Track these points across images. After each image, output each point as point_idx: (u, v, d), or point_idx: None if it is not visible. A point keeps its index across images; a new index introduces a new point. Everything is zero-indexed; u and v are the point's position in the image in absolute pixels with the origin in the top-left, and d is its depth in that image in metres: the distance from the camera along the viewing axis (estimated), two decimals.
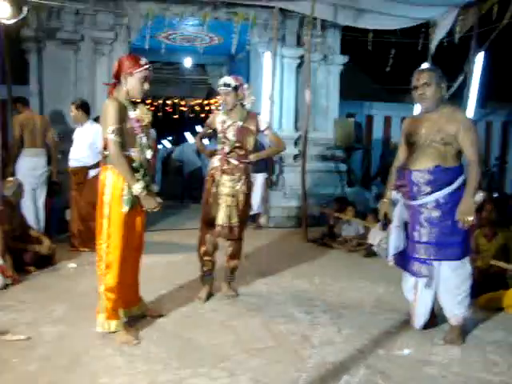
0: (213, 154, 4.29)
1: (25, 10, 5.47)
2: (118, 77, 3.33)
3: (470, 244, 3.57)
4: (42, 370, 2.85)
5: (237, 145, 4.11)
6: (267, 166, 7.73)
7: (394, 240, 3.57)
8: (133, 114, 3.32)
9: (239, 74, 9.66)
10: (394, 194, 3.64)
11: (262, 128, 4.21)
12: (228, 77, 4.19)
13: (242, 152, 4.15)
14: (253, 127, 4.16)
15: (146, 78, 3.32)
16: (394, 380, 2.85)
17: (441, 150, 3.33)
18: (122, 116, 3.25)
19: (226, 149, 4.13)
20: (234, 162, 4.13)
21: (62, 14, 7.47)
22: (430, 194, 3.35)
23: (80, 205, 5.88)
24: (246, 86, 4.18)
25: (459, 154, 3.38)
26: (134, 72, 3.27)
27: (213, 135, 4.54)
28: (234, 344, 3.29)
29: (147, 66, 3.32)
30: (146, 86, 3.35)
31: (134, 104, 3.40)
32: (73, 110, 5.95)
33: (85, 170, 5.87)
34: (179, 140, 15.13)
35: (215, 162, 4.20)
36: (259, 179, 7.60)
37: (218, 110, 4.36)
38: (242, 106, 4.19)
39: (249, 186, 4.22)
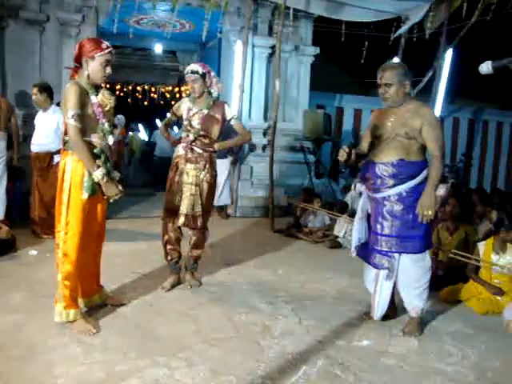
0: (178, 141, 4.24)
1: None
2: (79, 60, 3.24)
3: (430, 237, 3.63)
4: None
5: (201, 133, 4.07)
6: (228, 151, 7.65)
7: (356, 232, 3.60)
8: (94, 98, 3.24)
9: (210, 61, 9.60)
10: (358, 186, 3.67)
11: (228, 117, 4.17)
12: (195, 64, 4.13)
13: (207, 140, 4.11)
14: (219, 116, 4.12)
15: (108, 61, 3.24)
16: (351, 371, 2.88)
17: (405, 143, 3.36)
18: (84, 101, 3.17)
19: (191, 137, 4.08)
20: (199, 150, 4.09)
21: None
22: (393, 187, 3.38)
23: (43, 190, 5.74)
24: (213, 73, 4.14)
25: (423, 148, 3.42)
26: (95, 56, 3.18)
27: (178, 122, 4.49)
28: (194, 333, 3.28)
29: (109, 50, 3.24)
30: (108, 70, 3.26)
31: (97, 89, 3.31)
32: (35, 93, 5.73)
33: (49, 155, 5.72)
34: (152, 127, 14.97)
35: (180, 149, 4.15)
36: (223, 165, 7.56)
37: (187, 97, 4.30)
38: (210, 93, 4.14)
39: (213, 175, 4.18)
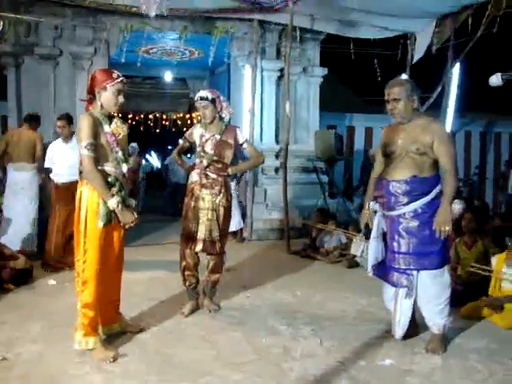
0: (192, 168, 4.27)
1: (1, 24, 5.42)
2: (92, 92, 3.32)
3: (448, 253, 3.59)
4: None
5: (215, 158, 4.10)
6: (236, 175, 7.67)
7: (372, 251, 3.57)
8: (108, 128, 3.31)
9: (220, 87, 9.74)
10: (372, 205, 3.66)
11: (240, 141, 4.20)
12: (204, 90, 4.18)
13: (221, 165, 4.14)
14: (231, 140, 4.15)
15: (119, 91, 3.31)
16: None
17: (417, 160, 3.35)
18: (97, 131, 3.23)
19: (205, 162, 4.11)
20: (213, 175, 4.12)
21: (40, 28, 7.42)
22: (407, 204, 3.37)
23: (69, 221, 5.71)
24: (222, 98, 4.18)
25: (435, 163, 3.40)
26: (107, 86, 3.26)
27: (191, 149, 4.52)
28: (214, 358, 3.26)
29: (120, 79, 3.31)
30: (121, 99, 3.33)
31: (110, 118, 3.38)
32: (64, 126, 5.74)
33: (76, 184, 5.77)
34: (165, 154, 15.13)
35: (194, 176, 4.18)
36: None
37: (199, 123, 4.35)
38: (221, 118, 4.18)
39: (228, 199, 4.20)
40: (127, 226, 3.38)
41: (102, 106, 3.30)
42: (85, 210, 3.23)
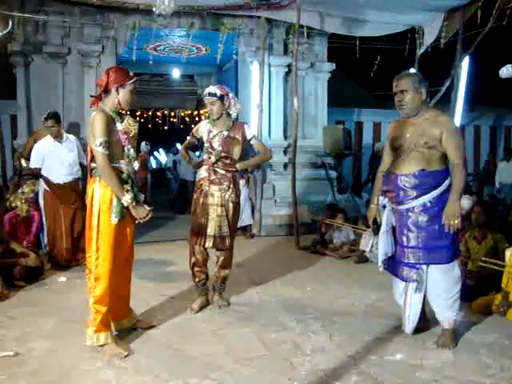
0: (200, 164, 4.28)
1: (10, 24, 5.44)
2: (108, 88, 3.33)
3: (458, 247, 3.57)
4: None
5: (223, 154, 4.10)
6: (245, 170, 7.68)
7: (382, 246, 3.56)
8: (120, 125, 3.34)
9: (228, 83, 9.69)
10: (381, 200, 3.64)
11: (248, 137, 4.20)
12: (213, 86, 4.18)
13: (229, 161, 4.14)
14: (239, 136, 4.15)
15: (135, 89, 3.39)
16: None
17: (425, 153, 3.33)
18: (110, 128, 3.26)
19: (213, 158, 4.12)
20: (221, 171, 4.12)
21: (48, 27, 7.46)
22: (416, 198, 3.35)
23: (76, 219, 5.71)
24: (231, 94, 4.17)
25: (444, 157, 3.38)
26: (126, 83, 3.31)
27: (198, 145, 4.52)
28: (225, 354, 3.27)
29: (136, 79, 3.39)
30: (135, 97, 3.40)
31: (121, 115, 3.41)
32: (52, 125, 5.57)
33: (77, 182, 5.79)
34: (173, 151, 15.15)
35: (202, 172, 4.19)
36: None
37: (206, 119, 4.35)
38: (229, 115, 4.18)
39: (237, 194, 4.20)
40: (142, 221, 3.40)
41: (118, 102, 3.33)
42: (97, 207, 3.25)
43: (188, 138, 4.45)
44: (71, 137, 5.89)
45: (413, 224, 3.38)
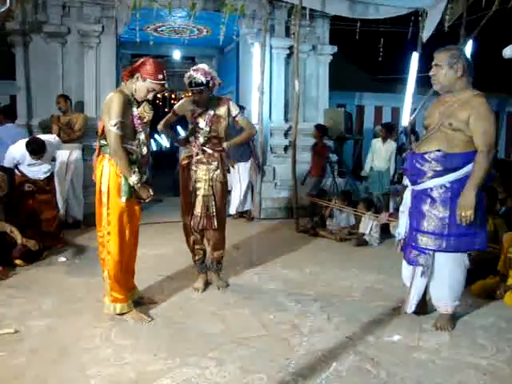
0: (184, 143, 4.22)
1: (8, 1, 5.37)
2: (133, 71, 3.36)
3: (469, 240, 3.28)
4: (30, 363, 2.83)
5: (212, 134, 4.04)
6: (251, 153, 7.70)
7: (400, 226, 3.52)
8: (135, 110, 3.40)
9: (229, 65, 9.68)
10: (404, 179, 3.57)
11: (234, 114, 4.10)
12: (195, 73, 3.87)
13: (216, 141, 4.08)
14: (224, 113, 4.06)
15: (154, 90, 3.39)
16: (383, 366, 2.85)
17: (448, 134, 3.17)
18: (125, 110, 3.31)
19: (201, 139, 4.05)
20: (209, 150, 4.06)
21: (47, 6, 7.36)
22: (430, 179, 3.23)
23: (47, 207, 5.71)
24: (213, 73, 3.93)
25: (471, 141, 3.15)
26: (148, 79, 3.33)
27: (177, 122, 4.41)
28: (223, 333, 3.29)
29: (162, 83, 3.39)
30: (150, 96, 3.42)
31: (138, 101, 3.45)
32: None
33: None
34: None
35: (189, 151, 4.13)
36: (242, 168, 7.61)
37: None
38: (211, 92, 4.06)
39: (225, 174, 4.15)
40: (146, 201, 3.55)
41: (135, 90, 3.37)
42: (106, 184, 3.37)
43: (168, 114, 4.23)
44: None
45: (424, 207, 3.28)
